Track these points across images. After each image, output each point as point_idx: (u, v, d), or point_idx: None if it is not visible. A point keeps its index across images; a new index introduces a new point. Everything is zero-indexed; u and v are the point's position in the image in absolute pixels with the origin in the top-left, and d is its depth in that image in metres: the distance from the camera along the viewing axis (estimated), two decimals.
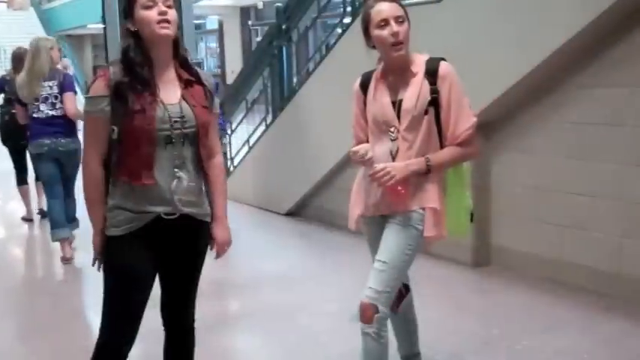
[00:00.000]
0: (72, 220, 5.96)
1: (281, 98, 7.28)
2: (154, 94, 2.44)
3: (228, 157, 7.75)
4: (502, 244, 4.99)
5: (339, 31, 6.59)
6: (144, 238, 2.49)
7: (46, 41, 5.90)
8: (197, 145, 2.52)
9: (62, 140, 5.62)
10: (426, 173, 2.79)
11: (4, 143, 7.24)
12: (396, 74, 2.85)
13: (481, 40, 4.67)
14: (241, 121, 8.10)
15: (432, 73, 2.79)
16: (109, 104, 2.41)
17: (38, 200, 7.40)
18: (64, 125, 5.64)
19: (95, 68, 26.43)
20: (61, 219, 5.77)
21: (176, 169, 2.47)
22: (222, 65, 24.47)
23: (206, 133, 2.56)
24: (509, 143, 4.85)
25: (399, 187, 2.76)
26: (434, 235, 2.85)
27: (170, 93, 2.49)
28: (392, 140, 2.83)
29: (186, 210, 2.52)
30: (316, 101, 6.43)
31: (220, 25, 25.09)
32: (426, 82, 2.79)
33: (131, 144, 2.42)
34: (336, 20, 7.12)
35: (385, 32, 2.75)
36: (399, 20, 2.75)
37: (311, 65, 7.32)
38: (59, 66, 6.12)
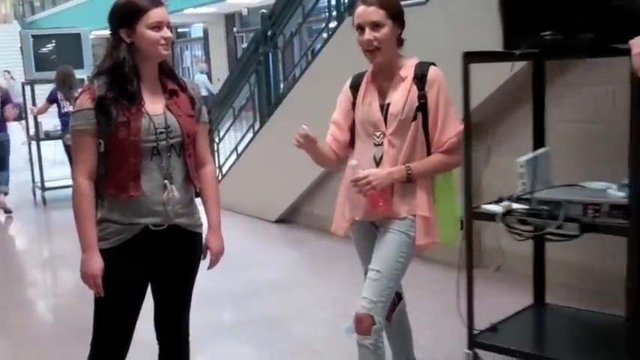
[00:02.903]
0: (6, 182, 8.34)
1: (268, 104, 7.24)
2: (138, 106, 2.42)
3: (216, 165, 7.71)
4: (491, 245, 4.94)
5: (325, 35, 6.57)
6: (133, 250, 2.47)
7: None
8: (185, 155, 2.49)
9: None
10: (407, 182, 2.75)
11: None
12: (385, 77, 2.80)
13: (468, 40, 4.63)
14: (229, 128, 8.06)
15: (420, 78, 2.73)
16: (94, 117, 2.38)
17: None
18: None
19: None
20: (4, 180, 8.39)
21: (165, 180, 2.45)
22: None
23: (192, 142, 2.53)
24: (500, 144, 4.81)
25: (380, 203, 2.72)
26: (425, 243, 2.81)
27: (155, 104, 2.46)
28: (376, 145, 2.78)
29: (177, 221, 2.49)
30: (304, 106, 6.38)
31: (205, 32, 25.03)
32: (415, 87, 2.74)
33: (117, 156, 2.40)
34: (321, 25, 7.10)
35: (359, 38, 2.71)
36: (375, 25, 2.67)
37: (297, 71, 7.28)
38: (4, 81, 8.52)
